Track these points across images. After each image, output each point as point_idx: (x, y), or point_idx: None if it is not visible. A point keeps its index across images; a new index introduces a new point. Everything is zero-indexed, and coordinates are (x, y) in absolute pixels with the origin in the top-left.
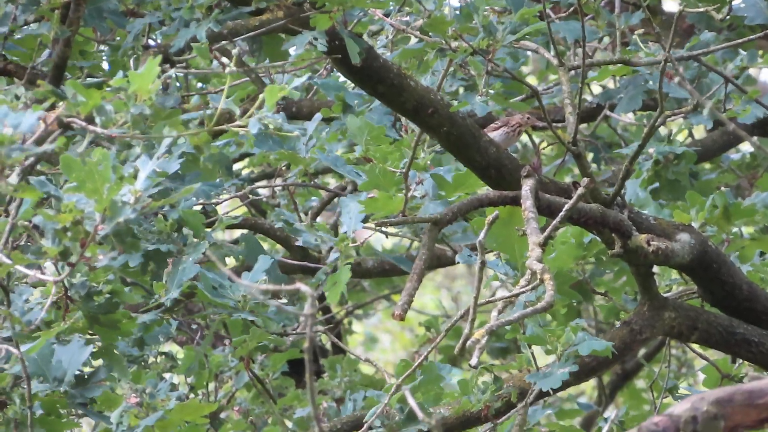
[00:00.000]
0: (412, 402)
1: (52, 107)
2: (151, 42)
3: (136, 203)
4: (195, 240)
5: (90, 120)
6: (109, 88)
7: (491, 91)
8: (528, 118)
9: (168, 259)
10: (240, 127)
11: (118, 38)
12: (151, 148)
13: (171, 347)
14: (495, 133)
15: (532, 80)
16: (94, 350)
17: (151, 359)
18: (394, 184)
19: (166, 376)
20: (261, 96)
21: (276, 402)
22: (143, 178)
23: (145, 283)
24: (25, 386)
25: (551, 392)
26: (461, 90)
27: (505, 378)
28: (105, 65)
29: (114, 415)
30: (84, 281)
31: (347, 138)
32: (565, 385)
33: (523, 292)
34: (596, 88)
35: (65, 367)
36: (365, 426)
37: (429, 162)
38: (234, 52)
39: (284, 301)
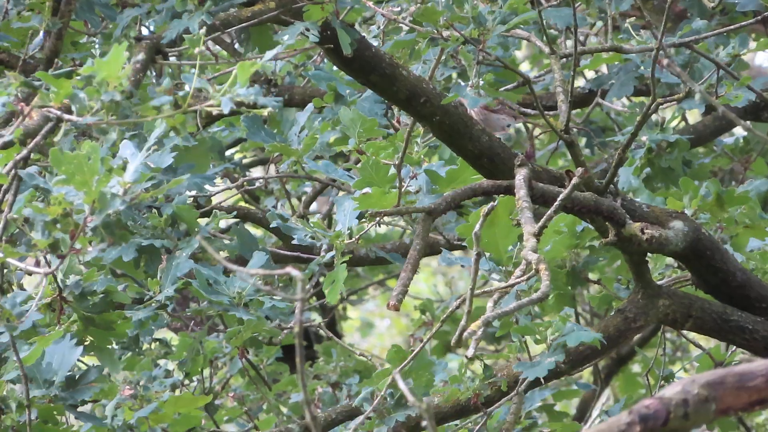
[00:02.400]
0: (401, 385)
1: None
2: (144, 30)
3: (125, 195)
4: (188, 237)
5: (65, 109)
6: (79, 77)
7: (482, 82)
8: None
9: (162, 256)
10: (212, 106)
11: (110, 26)
12: (142, 141)
13: (165, 334)
14: None
15: (525, 65)
16: (86, 344)
17: (145, 346)
18: (387, 181)
19: (161, 362)
20: (234, 72)
21: (270, 388)
22: (132, 170)
23: (137, 276)
24: (21, 393)
25: (542, 381)
26: (455, 76)
27: (497, 366)
28: (97, 56)
29: (108, 407)
30: (78, 281)
31: (339, 128)
32: (560, 373)
33: (519, 283)
34: (589, 74)
35: (55, 369)
36: (362, 417)
37: (423, 156)
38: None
39: (277, 293)
